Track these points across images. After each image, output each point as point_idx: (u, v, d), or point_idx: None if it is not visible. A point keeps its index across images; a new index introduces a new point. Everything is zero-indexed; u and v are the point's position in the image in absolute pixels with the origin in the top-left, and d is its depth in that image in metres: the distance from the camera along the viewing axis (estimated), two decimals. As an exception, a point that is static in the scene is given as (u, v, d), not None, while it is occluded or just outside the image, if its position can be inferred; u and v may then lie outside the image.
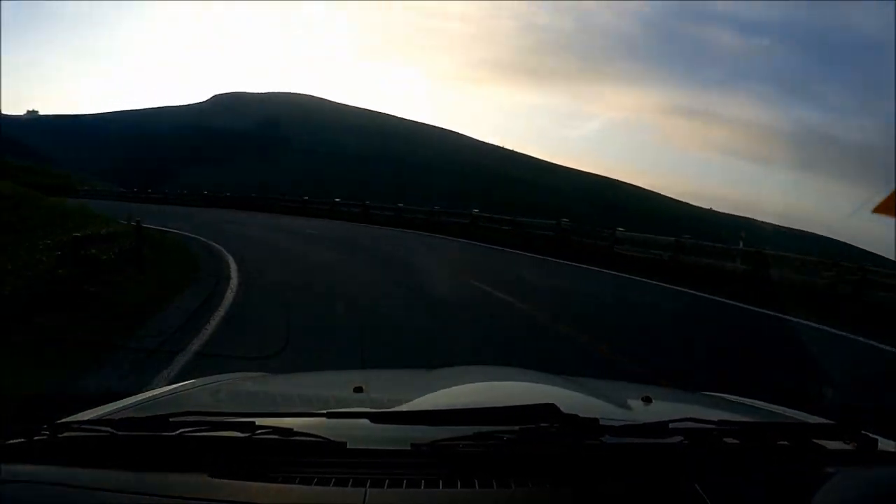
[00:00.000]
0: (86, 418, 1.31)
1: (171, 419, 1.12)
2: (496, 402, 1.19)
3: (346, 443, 1.07)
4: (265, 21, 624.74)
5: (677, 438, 1.13)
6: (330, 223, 23.45)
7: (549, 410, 1.11)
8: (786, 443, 1.18)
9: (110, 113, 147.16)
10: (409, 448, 1.08)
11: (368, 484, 0.99)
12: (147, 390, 1.86)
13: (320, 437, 1.08)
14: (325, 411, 1.17)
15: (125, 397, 1.59)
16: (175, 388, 1.84)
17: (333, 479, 1.01)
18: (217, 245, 13.58)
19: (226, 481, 1.01)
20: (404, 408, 1.39)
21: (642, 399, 1.61)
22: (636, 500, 1.02)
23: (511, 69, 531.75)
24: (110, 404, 1.50)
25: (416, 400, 1.52)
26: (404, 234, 20.30)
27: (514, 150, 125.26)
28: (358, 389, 1.53)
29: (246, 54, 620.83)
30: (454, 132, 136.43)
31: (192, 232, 16.04)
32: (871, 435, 1.22)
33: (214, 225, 19.28)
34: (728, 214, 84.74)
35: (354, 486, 0.99)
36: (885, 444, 1.25)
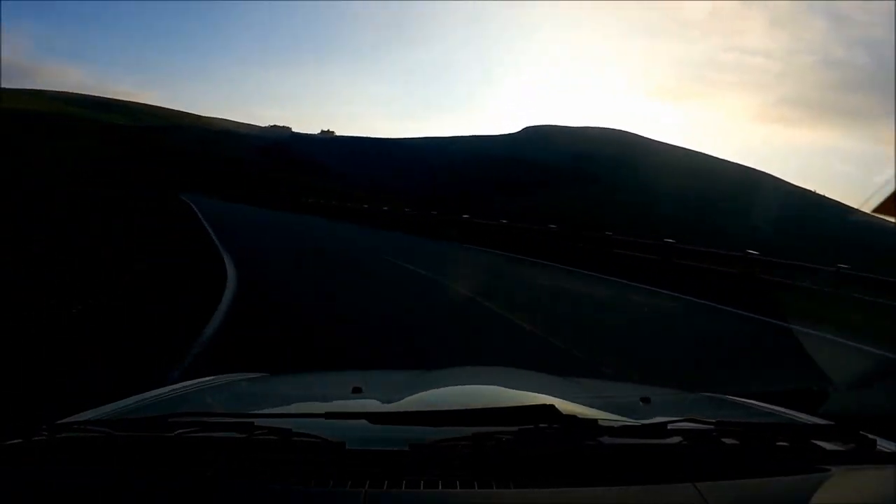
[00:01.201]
0: (84, 419, 1.31)
1: (169, 420, 1.12)
2: (495, 403, 1.19)
3: (344, 443, 1.07)
4: (572, 59, 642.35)
5: (676, 439, 1.12)
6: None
7: (547, 411, 1.11)
8: (785, 443, 1.18)
9: (414, 139, 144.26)
10: (407, 449, 1.07)
11: (367, 485, 0.99)
12: (145, 391, 1.86)
13: (319, 437, 1.08)
14: (323, 412, 1.17)
15: (125, 398, 1.59)
16: (173, 389, 1.84)
17: (332, 480, 1.00)
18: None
19: (224, 482, 1.01)
20: (403, 408, 1.39)
21: (641, 400, 1.61)
22: (635, 501, 1.02)
23: (811, 106, 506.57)
24: (109, 405, 1.50)
25: (415, 400, 1.52)
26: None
27: (822, 193, 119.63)
28: (356, 390, 1.54)
29: (557, 90, 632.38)
30: (763, 173, 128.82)
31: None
32: (869, 435, 1.22)
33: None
34: None
35: (353, 486, 0.99)
36: (883, 445, 1.25)
